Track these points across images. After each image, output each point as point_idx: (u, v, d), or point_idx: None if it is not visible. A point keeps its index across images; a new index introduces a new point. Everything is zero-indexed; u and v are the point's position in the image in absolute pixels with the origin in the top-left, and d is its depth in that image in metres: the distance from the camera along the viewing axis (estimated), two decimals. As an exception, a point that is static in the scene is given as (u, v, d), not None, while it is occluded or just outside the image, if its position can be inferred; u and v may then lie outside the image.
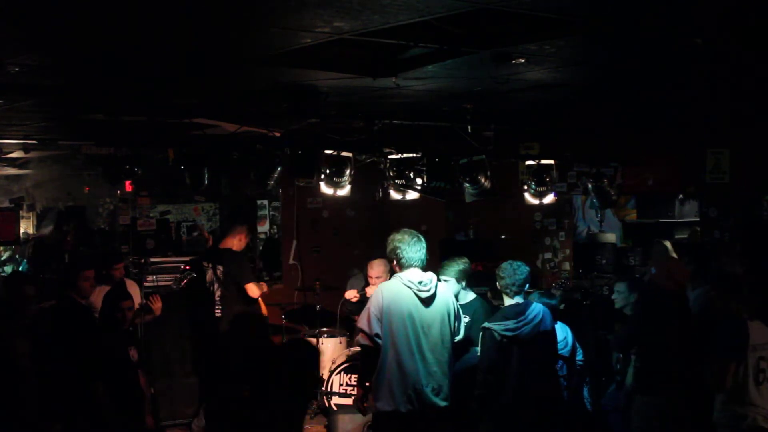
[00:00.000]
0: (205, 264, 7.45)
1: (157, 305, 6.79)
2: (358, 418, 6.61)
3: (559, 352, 6.16)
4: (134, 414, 5.58)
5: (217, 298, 7.35)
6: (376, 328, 4.97)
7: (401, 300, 5.01)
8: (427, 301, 5.05)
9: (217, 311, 7.34)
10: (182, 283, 7.31)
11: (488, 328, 5.31)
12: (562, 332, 6.30)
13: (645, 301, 5.68)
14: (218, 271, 7.40)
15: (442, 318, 5.10)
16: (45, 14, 3.56)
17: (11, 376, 5.42)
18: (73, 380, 5.47)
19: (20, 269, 10.03)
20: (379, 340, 4.97)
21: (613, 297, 6.46)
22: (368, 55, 4.71)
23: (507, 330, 5.26)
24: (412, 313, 5.00)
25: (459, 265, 5.98)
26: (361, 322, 5.08)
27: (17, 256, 10.70)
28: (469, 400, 5.38)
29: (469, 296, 6.12)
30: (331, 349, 7.92)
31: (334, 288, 8.35)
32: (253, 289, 7.35)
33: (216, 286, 7.38)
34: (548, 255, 9.26)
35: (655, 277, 5.65)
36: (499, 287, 5.56)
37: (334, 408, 7.37)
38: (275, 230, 9.84)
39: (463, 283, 6.02)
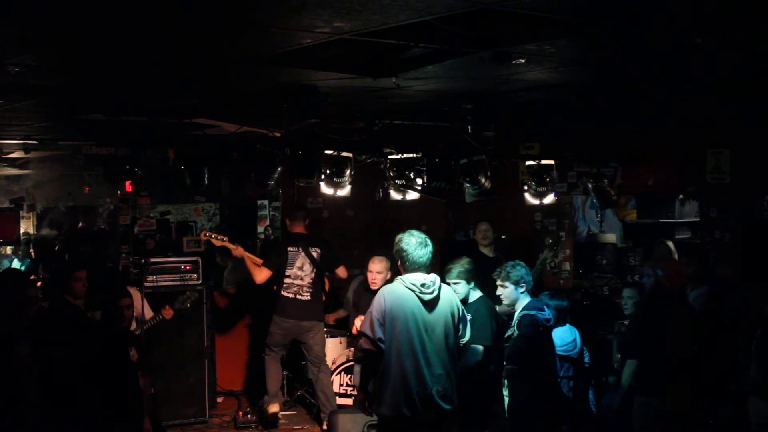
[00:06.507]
0: (293, 248, 7.36)
1: (169, 312, 6.87)
2: (359, 418, 6.59)
3: (568, 354, 6.16)
4: (132, 416, 5.54)
5: (307, 282, 7.38)
6: (379, 333, 4.91)
7: (404, 303, 4.97)
8: (430, 304, 5.01)
9: (305, 295, 7.38)
10: (187, 304, 7.20)
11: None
12: (572, 334, 6.29)
13: (646, 302, 5.67)
14: (315, 254, 7.39)
15: (446, 320, 5.05)
16: (46, 14, 3.56)
17: (11, 377, 5.40)
18: (69, 382, 5.45)
19: (22, 268, 10.03)
20: (382, 345, 4.92)
21: (623, 303, 6.44)
22: (368, 55, 4.70)
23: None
24: (416, 315, 4.95)
25: (463, 266, 5.98)
26: (364, 326, 5.01)
27: (19, 252, 10.72)
28: (474, 402, 5.39)
29: (476, 295, 6.10)
30: (331, 349, 7.91)
31: (333, 288, 8.35)
32: (343, 272, 7.58)
33: (309, 268, 7.38)
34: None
35: (660, 278, 5.64)
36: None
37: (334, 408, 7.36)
38: (269, 231, 9.81)
39: (472, 284, 6.01)
